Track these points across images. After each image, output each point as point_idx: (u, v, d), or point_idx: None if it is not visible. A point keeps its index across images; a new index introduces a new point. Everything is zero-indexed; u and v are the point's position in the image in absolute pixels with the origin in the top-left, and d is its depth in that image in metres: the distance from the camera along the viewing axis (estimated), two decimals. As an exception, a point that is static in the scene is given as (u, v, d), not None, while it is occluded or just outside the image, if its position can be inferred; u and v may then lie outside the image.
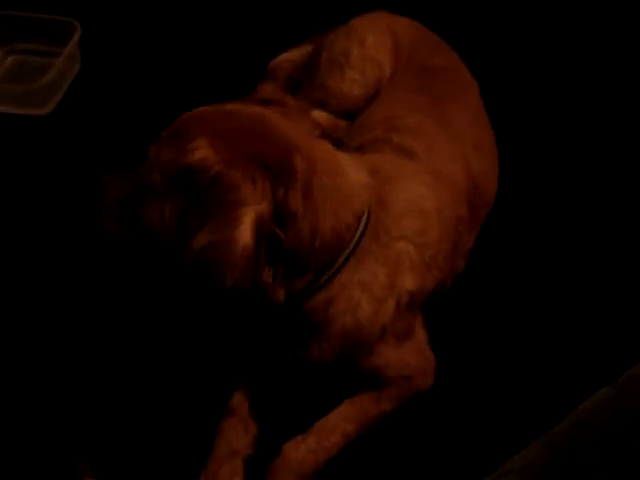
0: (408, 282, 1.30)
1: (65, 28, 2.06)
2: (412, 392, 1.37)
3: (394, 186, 1.31)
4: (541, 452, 0.80)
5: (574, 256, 1.64)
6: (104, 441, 1.36)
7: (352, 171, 1.24)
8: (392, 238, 1.27)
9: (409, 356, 1.36)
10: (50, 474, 1.31)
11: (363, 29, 1.71)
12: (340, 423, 1.31)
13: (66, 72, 2.06)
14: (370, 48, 1.68)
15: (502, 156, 1.66)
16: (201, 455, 1.30)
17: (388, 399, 1.34)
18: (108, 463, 1.32)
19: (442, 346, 1.42)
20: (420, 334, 1.40)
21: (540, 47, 2.15)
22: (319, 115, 1.64)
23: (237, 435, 1.32)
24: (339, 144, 1.45)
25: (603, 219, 1.72)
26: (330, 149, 1.25)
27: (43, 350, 1.50)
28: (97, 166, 1.85)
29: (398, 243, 1.28)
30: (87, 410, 1.40)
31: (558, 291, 1.58)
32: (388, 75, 1.68)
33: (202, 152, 1.10)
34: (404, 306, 1.31)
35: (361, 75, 1.67)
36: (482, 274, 1.57)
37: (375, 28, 1.72)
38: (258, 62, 1.95)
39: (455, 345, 1.46)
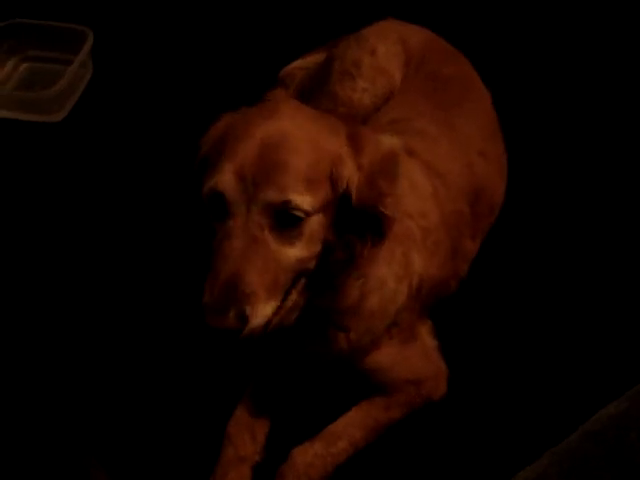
0: (417, 263, 1.31)
1: (77, 36, 2.09)
2: (422, 399, 1.36)
3: None
4: (554, 463, 0.79)
5: (584, 266, 1.64)
6: (116, 447, 1.36)
7: None
8: (401, 212, 1.26)
9: (413, 360, 1.36)
10: (63, 475, 1.32)
11: (374, 39, 1.72)
12: (348, 429, 1.31)
13: (78, 79, 2.08)
14: (381, 58, 1.69)
15: (513, 167, 1.66)
16: (209, 461, 1.30)
17: (397, 406, 1.34)
18: (120, 469, 1.32)
19: (453, 356, 1.42)
20: (427, 340, 1.40)
21: (556, 57, 2.16)
22: None
23: (244, 442, 1.32)
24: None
25: (611, 231, 1.71)
26: None
27: (55, 349, 1.51)
28: (109, 171, 1.88)
29: (406, 219, 1.29)
30: (100, 415, 1.41)
31: (569, 302, 1.57)
32: (398, 84, 1.69)
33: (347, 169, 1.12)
34: (414, 291, 1.32)
35: (371, 85, 1.68)
36: (489, 283, 1.57)
37: (386, 38, 1.72)
38: (269, 69, 1.97)
39: (465, 355, 1.45)
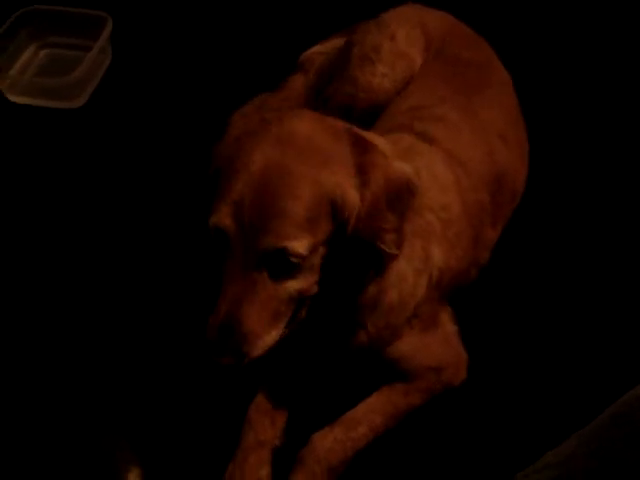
0: (437, 256, 1.30)
1: (96, 22, 2.09)
2: (442, 386, 1.36)
3: (414, 157, 1.32)
4: (581, 445, 0.79)
5: (605, 250, 1.62)
6: (141, 430, 1.37)
7: (374, 138, 1.22)
8: (422, 206, 1.26)
9: (434, 346, 1.36)
10: (92, 462, 1.33)
11: (394, 23, 1.70)
12: (368, 415, 1.30)
13: (98, 65, 2.08)
14: (401, 43, 1.67)
15: (535, 153, 1.65)
16: (230, 446, 1.30)
17: (417, 391, 1.33)
18: (145, 451, 1.33)
19: (475, 341, 1.41)
20: (448, 327, 1.39)
21: (579, 42, 2.13)
22: None
23: (264, 427, 1.32)
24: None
25: (633, 216, 1.69)
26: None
27: (85, 331, 1.53)
28: (128, 157, 1.88)
29: (426, 213, 1.28)
30: (127, 399, 1.42)
31: (591, 286, 1.56)
32: (418, 69, 1.67)
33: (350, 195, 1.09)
34: (434, 283, 1.31)
35: (391, 70, 1.66)
36: (509, 269, 1.56)
37: (406, 22, 1.71)
38: (289, 54, 1.96)
39: (487, 340, 1.45)
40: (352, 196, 1.07)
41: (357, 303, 1.22)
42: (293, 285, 1.10)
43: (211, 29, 2.24)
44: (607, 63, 2.07)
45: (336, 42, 1.88)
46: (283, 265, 1.08)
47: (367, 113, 1.66)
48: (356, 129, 1.17)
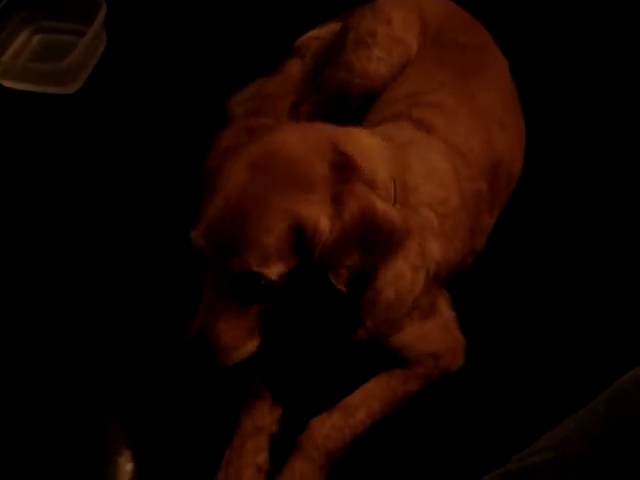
0: (435, 251, 1.30)
1: (91, 7, 2.06)
2: (440, 371, 1.36)
3: (410, 151, 1.31)
4: (576, 429, 0.79)
5: (602, 234, 1.63)
6: (135, 412, 1.37)
7: (365, 138, 1.22)
8: (417, 202, 1.26)
9: (434, 333, 1.36)
10: (82, 444, 1.33)
11: (390, 7, 1.69)
12: (366, 401, 1.30)
13: (92, 51, 2.06)
14: (397, 27, 1.66)
15: (531, 137, 1.64)
16: (227, 432, 1.31)
17: (415, 378, 1.34)
18: (141, 437, 1.34)
19: (469, 326, 1.41)
20: (446, 313, 1.40)
21: (576, 28, 2.12)
22: None
23: (262, 413, 1.33)
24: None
25: (629, 203, 1.69)
26: (341, 128, 1.23)
27: (78, 311, 1.53)
28: (123, 143, 1.87)
29: (422, 209, 1.28)
30: (120, 382, 1.42)
31: (588, 269, 1.57)
32: (414, 53, 1.66)
33: (322, 223, 1.07)
34: (432, 277, 1.31)
35: (387, 54, 1.65)
36: (505, 253, 1.56)
37: (402, 6, 1.70)
38: (285, 39, 1.94)
39: (482, 325, 1.45)
40: (323, 226, 1.06)
41: (354, 302, 1.21)
42: (266, 304, 1.13)
43: (207, 13, 2.22)
44: (604, 47, 2.07)
45: (332, 27, 1.87)
46: (255, 286, 1.09)
47: (363, 98, 1.66)
48: (343, 142, 1.14)
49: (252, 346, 1.17)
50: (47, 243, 1.67)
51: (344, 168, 1.10)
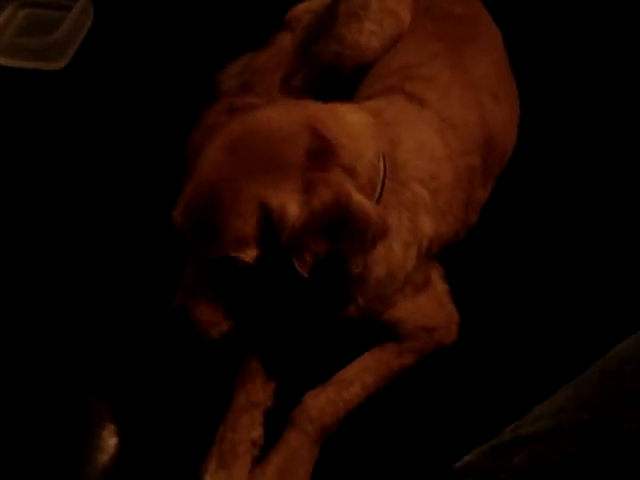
0: (427, 226, 1.29)
1: (77, -19, 2.03)
2: (434, 345, 1.36)
3: (400, 126, 1.30)
4: (571, 397, 0.80)
5: (594, 208, 1.62)
6: (120, 386, 1.36)
7: (351, 116, 1.21)
8: (408, 178, 1.26)
9: (427, 307, 1.36)
10: (63, 417, 1.30)
11: (382, -20, 1.67)
12: (360, 374, 1.30)
13: (79, 26, 2.03)
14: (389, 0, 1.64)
15: (524, 110, 1.63)
16: (221, 408, 1.30)
17: (409, 352, 1.33)
18: (126, 410, 1.32)
19: (461, 301, 1.41)
20: (439, 286, 1.39)
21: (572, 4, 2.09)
22: None
23: (256, 388, 1.32)
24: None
25: (622, 177, 1.68)
26: (325, 106, 1.23)
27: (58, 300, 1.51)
28: (111, 119, 1.85)
29: (413, 184, 1.27)
30: (104, 355, 1.41)
31: (579, 243, 1.56)
32: (407, 26, 1.64)
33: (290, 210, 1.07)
34: (424, 252, 1.30)
35: (379, 27, 1.63)
36: (498, 228, 1.55)
37: (395, -23, 1.67)
38: (276, 12, 1.92)
39: (476, 297, 1.45)
40: (290, 212, 1.06)
41: (343, 279, 1.20)
42: (243, 285, 1.14)
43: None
44: (599, 17, 2.04)
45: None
46: (232, 269, 1.11)
47: (354, 71, 1.63)
48: (326, 123, 1.13)
49: (226, 325, 1.20)
50: (32, 220, 1.66)
51: (321, 154, 1.10)
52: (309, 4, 1.89)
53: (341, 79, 1.67)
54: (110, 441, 1.27)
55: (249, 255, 1.09)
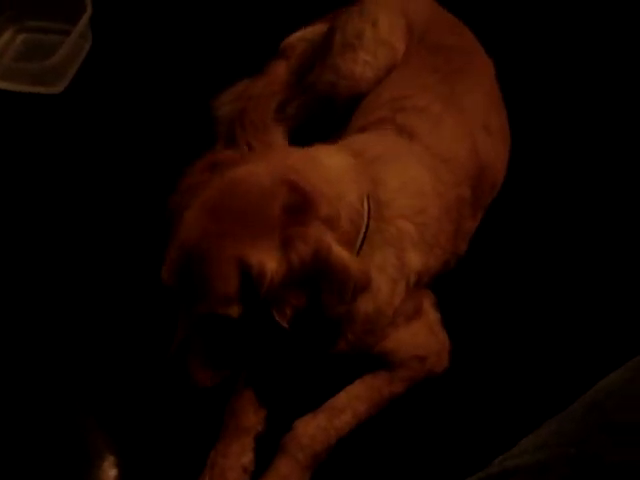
0: (414, 261, 1.30)
1: (75, 6, 2.05)
2: (425, 373, 1.37)
3: (384, 164, 1.31)
4: (556, 432, 0.81)
5: (580, 241, 1.64)
6: (117, 414, 1.37)
7: (330, 160, 1.23)
8: (392, 216, 1.27)
9: (419, 336, 1.37)
10: (64, 449, 1.32)
11: (376, 10, 1.69)
12: (351, 402, 1.31)
13: (77, 50, 2.06)
14: (383, 30, 1.66)
15: (515, 140, 1.65)
16: (212, 433, 1.31)
17: (400, 380, 1.35)
18: (120, 435, 1.33)
19: (452, 329, 1.42)
20: (431, 314, 1.40)
21: (561, 31, 2.13)
22: None
23: (247, 413, 1.33)
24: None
25: (611, 209, 1.71)
26: (303, 154, 1.25)
27: (58, 316, 1.52)
28: (109, 143, 1.87)
29: (398, 221, 1.28)
30: (102, 381, 1.42)
31: (568, 274, 1.58)
32: (401, 56, 1.66)
33: (268, 267, 1.09)
34: (412, 286, 1.32)
35: (373, 57, 1.65)
36: (489, 256, 1.57)
37: (388, 9, 1.70)
38: (271, 40, 1.94)
39: (465, 327, 1.46)
40: (270, 268, 1.08)
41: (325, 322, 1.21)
42: (232, 336, 1.18)
43: (193, 14, 2.21)
44: (589, 51, 2.08)
45: (319, 28, 1.87)
46: (219, 322, 1.14)
47: (348, 101, 1.65)
48: (304, 173, 1.15)
49: (222, 374, 1.23)
50: (30, 243, 1.67)
51: (299, 208, 1.11)
52: (304, 33, 1.91)
53: (335, 108, 1.69)
54: (110, 472, 1.30)
55: (233, 311, 1.12)
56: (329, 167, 1.22)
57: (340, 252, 1.11)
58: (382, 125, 1.43)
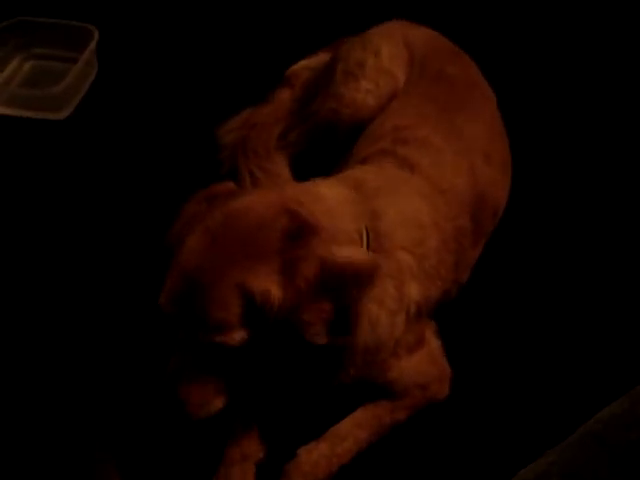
0: (413, 292, 1.30)
1: (82, 34, 2.09)
2: (427, 401, 1.37)
3: (384, 197, 1.31)
4: (555, 462, 0.81)
5: (583, 264, 1.65)
6: (122, 441, 1.37)
7: (329, 193, 1.24)
8: (392, 247, 1.27)
9: (421, 365, 1.37)
10: (72, 475, 1.32)
11: (378, 40, 1.72)
12: (353, 430, 1.31)
13: (83, 77, 2.09)
14: (385, 59, 1.69)
15: (517, 168, 1.66)
16: (214, 460, 1.31)
17: (402, 408, 1.35)
18: (126, 463, 1.33)
19: (454, 357, 1.42)
20: (432, 343, 1.41)
21: (561, 58, 2.16)
22: None
23: (249, 441, 1.33)
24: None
25: (613, 230, 1.72)
26: (304, 186, 1.27)
27: (62, 338, 1.53)
28: (113, 170, 1.88)
29: (398, 252, 1.28)
30: (108, 408, 1.42)
31: (569, 301, 1.58)
32: (402, 85, 1.68)
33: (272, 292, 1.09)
34: (412, 317, 1.31)
35: (375, 86, 1.67)
36: (490, 286, 1.58)
37: (390, 39, 1.72)
38: (276, 68, 1.97)
39: (466, 355, 1.46)
40: (273, 294, 1.08)
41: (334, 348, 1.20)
42: (232, 364, 1.17)
43: (198, 42, 2.24)
44: (590, 78, 2.11)
45: (322, 57, 1.90)
46: (219, 350, 1.13)
47: (351, 129, 1.67)
48: (303, 206, 1.16)
49: (218, 403, 1.20)
50: (34, 266, 1.67)
51: (299, 234, 1.11)
52: (308, 61, 1.94)
53: (338, 135, 1.71)
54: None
55: (234, 339, 1.11)
56: (329, 199, 1.23)
57: (342, 251, 1.12)
58: (383, 157, 1.44)
